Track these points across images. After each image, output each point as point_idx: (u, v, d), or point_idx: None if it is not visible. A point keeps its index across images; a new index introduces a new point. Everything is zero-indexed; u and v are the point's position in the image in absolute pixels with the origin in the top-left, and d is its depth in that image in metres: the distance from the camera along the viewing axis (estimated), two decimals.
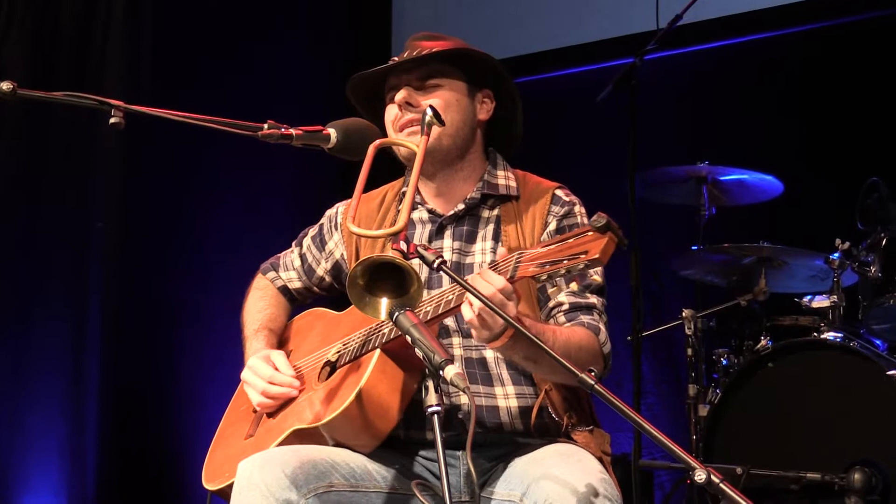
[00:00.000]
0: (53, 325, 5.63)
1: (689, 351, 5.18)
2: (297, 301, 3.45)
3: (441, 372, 2.35)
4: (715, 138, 6.13)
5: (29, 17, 5.64)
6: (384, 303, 2.57)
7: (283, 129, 2.72)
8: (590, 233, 2.46)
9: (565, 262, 2.46)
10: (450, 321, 3.00)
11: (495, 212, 3.13)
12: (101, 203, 5.80)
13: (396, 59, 3.15)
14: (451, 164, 3.14)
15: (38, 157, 5.65)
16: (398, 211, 3.19)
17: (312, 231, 3.40)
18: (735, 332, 5.30)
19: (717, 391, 4.95)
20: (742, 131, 6.15)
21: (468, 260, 3.08)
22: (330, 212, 3.39)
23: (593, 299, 3.03)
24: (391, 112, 3.13)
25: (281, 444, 2.90)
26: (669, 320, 5.41)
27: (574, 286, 3.01)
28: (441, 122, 2.96)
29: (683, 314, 5.20)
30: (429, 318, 2.81)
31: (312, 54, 7.01)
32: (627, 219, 4.38)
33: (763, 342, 4.98)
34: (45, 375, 5.58)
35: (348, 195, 2.93)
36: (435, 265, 2.60)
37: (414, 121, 3.06)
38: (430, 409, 2.37)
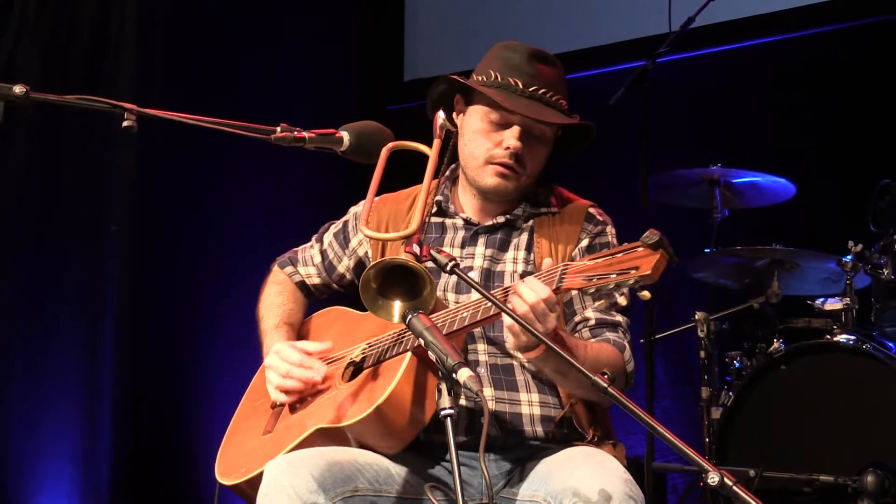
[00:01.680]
0: (68, 329, 5.65)
1: (702, 353, 5.17)
2: (313, 296, 3.44)
3: (454, 375, 2.35)
4: (727, 141, 6.12)
5: (42, 21, 5.66)
6: (397, 305, 2.58)
7: (295, 132, 2.72)
8: (639, 249, 2.47)
9: (614, 276, 2.47)
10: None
11: (529, 223, 3.16)
12: (115, 207, 5.81)
13: (519, 82, 3.09)
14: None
15: (52, 161, 5.67)
16: (425, 217, 3.19)
17: (335, 227, 3.39)
18: (748, 335, 5.29)
19: (730, 394, 4.94)
20: (754, 134, 6.14)
21: (499, 268, 3.10)
22: (355, 209, 3.38)
23: (619, 318, 3.05)
24: (492, 139, 3.09)
25: (303, 442, 2.89)
26: (682, 323, 5.40)
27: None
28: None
29: (696, 317, 5.19)
30: (466, 323, 2.81)
31: (326, 57, 7.02)
32: (640, 222, 4.38)
33: (776, 344, 4.97)
34: (60, 380, 5.60)
35: (363, 197, 2.93)
36: (448, 268, 2.60)
37: (513, 168, 3.07)
38: (442, 412, 2.37)
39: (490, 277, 3.08)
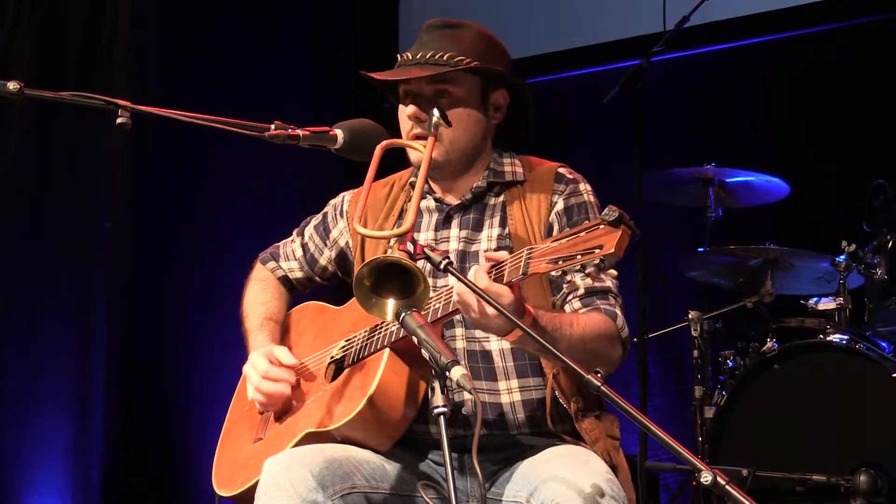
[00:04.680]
0: (60, 326, 5.64)
1: (696, 352, 5.18)
2: (296, 290, 3.44)
3: (447, 373, 2.35)
4: (721, 140, 6.12)
5: (36, 18, 5.64)
6: (391, 303, 2.57)
7: (289, 130, 2.72)
8: (601, 226, 2.45)
9: (579, 256, 2.45)
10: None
11: (501, 198, 3.12)
12: (108, 203, 5.80)
13: (409, 54, 3.10)
14: (460, 169, 3.13)
15: (45, 156, 5.66)
16: (403, 204, 3.19)
17: (315, 220, 3.39)
18: (741, 334, 5.29)
19: (723, 393, 4.94)
20: (749, 133, 6.14)
21: (473, 248, 3.07)
22: (335, 200, 3.37)
23: (608, 282, 2.98)
24: (403, 119, 3.10)
25: (294, 447, 2.88)
26: (676, 322, 5.40)
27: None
28: (448, 123, 2.96)
29: (690, 316, 5.19)
30: (438, 315, 2.80)
31: (319, 54, 7.02)
32: (634, 220, 4.39)
33: (769, 344, 4.97)
34: (52, 377, 5.58)
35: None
36: (441, 266, 2.60)
37: (422, 135, 3.05)
38: (436, 410, 2.37)
39: (465, 259, 3.06)
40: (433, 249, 2.63)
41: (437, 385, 2.38)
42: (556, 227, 3.02)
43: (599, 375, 2.33)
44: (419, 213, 3.17)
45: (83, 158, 5.74)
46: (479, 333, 2.98)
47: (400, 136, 3.07)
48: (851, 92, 5.90)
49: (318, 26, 7.06)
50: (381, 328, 2.91)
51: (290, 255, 3.41)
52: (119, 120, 2.56)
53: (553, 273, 2.51)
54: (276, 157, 5.15)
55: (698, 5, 4.87)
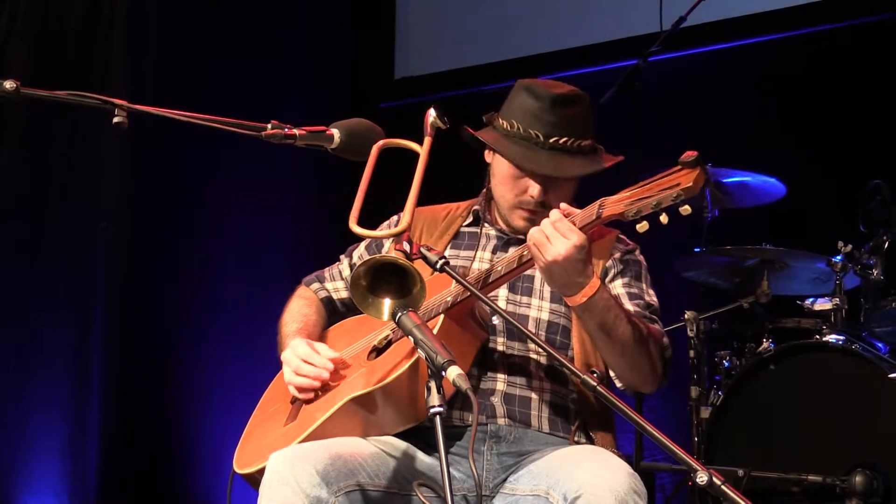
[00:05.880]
0: (57, 326, 5.64)
1: (692, 353, 5.17)
2: (338, 312, 3.45)
3: (443, 373, 2.35)
4: (718, 140, 6.12)
5: (33, 16, 5.64)
6: (387, 303, 2.58)
7: (286, 129, 2.72)
8: (674, 172, 2.57)
9: (655, 196, 2.55)
10: (497, 321, 3.05)
11: None
12: (105, 203, 5.80)
13: (539, 133, 3.10)
14: None
15: (42, 156, 5.66)
16: (460, 226, 3.30)
17: (366, 241, 3.43)
18: (737, 335, 5.29)
19: (719, 393, 4.94)
20: (745, 133, 6.14)
21: (528, 271, 3.12)
22: (391, 219, 3.41)
23: (656, 317, 3.12)
24: (516, 181, 3.15)
25: (332, 416, 2.86)
26: (672, 322, 5.38)
27: (633, 291, 3.13)
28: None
29: (686, 316, 5.18)
30: (500, 275, 2.90)
31: (318, 54, 7.02)
32: (630, 221, 4.39)
33: (765, 344, 4.97)
34: (49, 376, 5.59)
35: (353, 194, 2.93)
36: (437, 266, 2.61)
37: (540, 212, 3.10)
38: (432, 410, 2.37)
39: (519, 278, 3.12)
40: (430, 249, 2.64)
41: (433, 385, 2.38)
42: (611, 272, 3.17)
43: (595, 375, 2.34)
44: (478, 237, 3.26)
45: (80, 158, 5.74)
46: (518, 345, 3.05)
47: (397, 137, 3.07)
48: (848, 93, 5.90)
49: (317, 26, 7.06)
50: (437, 300, 2.94)
51: (337, 275, 3.45)
52: (115, 119, 2.56)
53: (629, 212, 2.60)
54: (275, 156, 5.16)
55: (695, 5, 4.87)
